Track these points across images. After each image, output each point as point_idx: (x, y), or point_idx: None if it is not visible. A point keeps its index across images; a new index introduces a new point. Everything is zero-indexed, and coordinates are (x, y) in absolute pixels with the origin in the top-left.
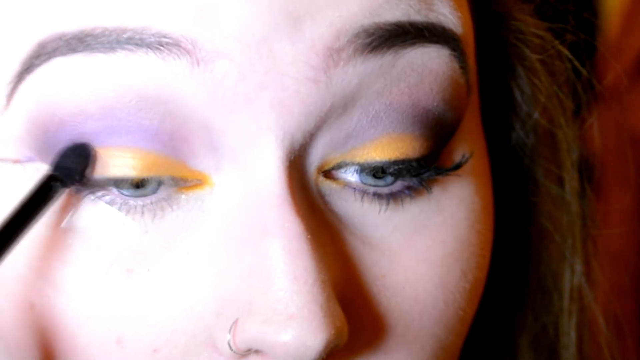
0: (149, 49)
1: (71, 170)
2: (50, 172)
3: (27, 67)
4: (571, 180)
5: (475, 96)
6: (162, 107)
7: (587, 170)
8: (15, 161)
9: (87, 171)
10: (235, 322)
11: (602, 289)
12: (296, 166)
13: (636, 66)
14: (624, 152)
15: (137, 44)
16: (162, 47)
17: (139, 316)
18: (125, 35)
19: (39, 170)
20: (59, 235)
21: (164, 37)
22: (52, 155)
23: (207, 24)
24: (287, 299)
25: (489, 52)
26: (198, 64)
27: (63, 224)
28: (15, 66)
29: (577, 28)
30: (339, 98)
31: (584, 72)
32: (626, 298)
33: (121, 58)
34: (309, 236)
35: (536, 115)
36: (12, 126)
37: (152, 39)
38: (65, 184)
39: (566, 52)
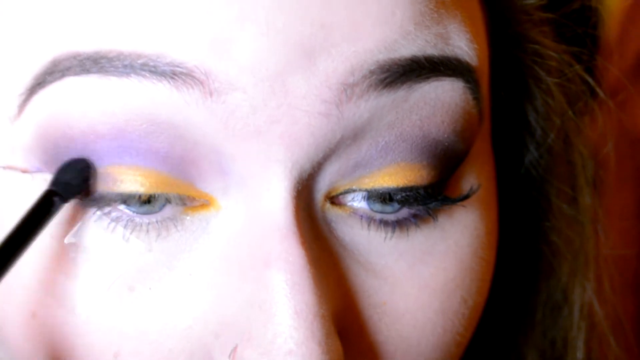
0: (162, 77)
1: (70, 185)
2: (49, 187)
3: (40, 82)
4: (584, 201)
5: (487, 122)
6: (172, 131)
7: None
8: (24, 171)
9: (86, 185)
10: (235, 348)
11: (612, 307)
12: (303, 195)
13: (636, 66)
14: (624, 152)
15: (151, 71)
16: (175, 77)
17: (138, 333)
18: (140, 61)
19: (47, 182)
20: (64, 248)
21: (178, 66)
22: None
23: (222, 55)
24: (286, 334)
25: (505, 72)
26: (211, 95)
27: (68, 238)
28: (28, 79)
29: (567, 15)
30: (349, 130)
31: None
32: (626, 298)
33: (134, 83)
34: (312, 269)
35: (551, 136)
36: (22, 137)
37: (166, 68)
38: (64, 199)
39: (584, 75)
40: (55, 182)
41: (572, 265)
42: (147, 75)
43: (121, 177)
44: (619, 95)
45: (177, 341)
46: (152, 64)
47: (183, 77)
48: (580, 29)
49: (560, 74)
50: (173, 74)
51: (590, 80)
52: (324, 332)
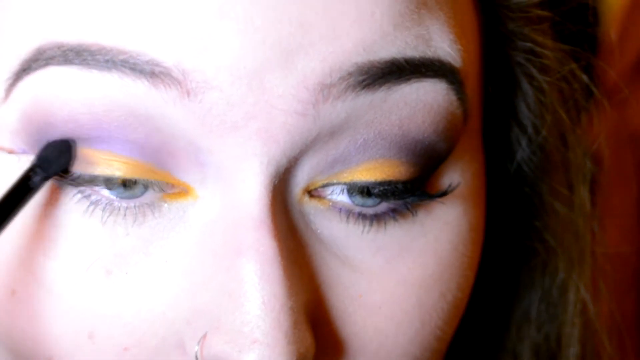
0: (141, 75)
1: (50, 161)
2: (32, 164)
3: (25, 69)
4: (579, 198)
5: (474, 120)
6: (150, 124)
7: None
8: (10, 151)
9: (66, 163)
10: (204, 336)
11: (606, 305)
12: (280, 188)
13: (636, 66)
14: (624, 152)
15: (131, 68)
16: (154, 75)
17: (112, 315)
18: (121, 57)
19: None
20: (45, 229)
21: (157, 65)
22: None
23: (200, 54)
24: (253, 324)
25: (498, 69)
26: (188, 94)
27: (50, 219)
28: (15, 65)
29: (566, 14)
30: (326, 129)
31: (588, 82)
32: (626, 298)
33: (115, 78)
34: (282, 261)
35: (543, 134)
36: (8, 119)
37: (146, 66)
38: (46, 176)
39: (580, 74)
40: (38, 159)
41: (567, 262)
42: (128, 71)
43: (99, 160)
44: (617, 95)
45: (150, 325)
46: (132, 61)
47: (162, 76)
48: (578, 27)
49: (555, 72)
50: (152, 72)
51: (585, 78)
52: (291, 323)
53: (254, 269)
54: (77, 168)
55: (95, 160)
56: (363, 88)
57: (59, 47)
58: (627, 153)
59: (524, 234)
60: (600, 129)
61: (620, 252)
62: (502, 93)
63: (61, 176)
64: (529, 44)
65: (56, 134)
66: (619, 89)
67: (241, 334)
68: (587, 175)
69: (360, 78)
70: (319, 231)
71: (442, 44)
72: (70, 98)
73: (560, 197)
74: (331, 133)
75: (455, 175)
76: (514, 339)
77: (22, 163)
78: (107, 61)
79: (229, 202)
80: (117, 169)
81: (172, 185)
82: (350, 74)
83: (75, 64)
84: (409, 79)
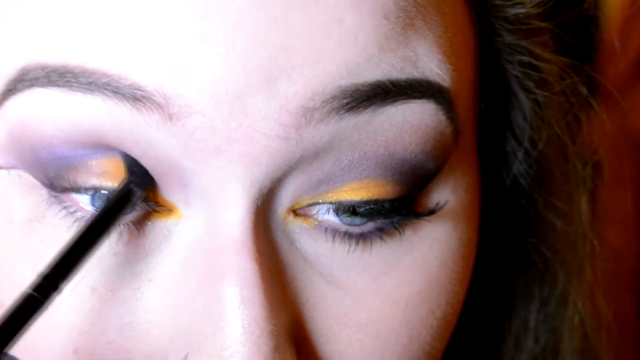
0: (123, 98)
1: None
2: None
3: (11, 89)
4: (579, 212)
5: (467, 135)
6: (136, 146)
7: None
8: None
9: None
10: (185, 357)
11: (606, 319)
12: (263, 209)
13: (636, 66)
14: (624, 152)
15: (113, 91)
16: (136, 99)
17: (97, 332)
18: (103, 80)
19: (21, 177)
20: (32, 244)
21: (138, 89)
22: (34, 166)
23: (181, 79)
24: (232, 348)
25: (494, 82)
26: (170, 118)
27: (36, 235)
28: (0, 84)
29: (577, 28)
30: (309, 151)
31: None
32: (626, 298)
33: (98, 100)
34: (263, 285)
35: (540, 147)
36: None
37: (127, 90)
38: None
39: (580, 87)
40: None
41: (565, 274)
42: (110, 94)
43: (87, 175)
44: (616, 97)
45: (135, 343)
46: (114, 84)
47: (143, 100)
48: (578, 38)
49: (554, 85)
50: (134, 96)
51: (585, 91)
52: (272, 347)
53: (234, 293)
54: (65, 181)
55: (85, 175)
56: (347, 111)
57: (43, 68)
58: (627, 155)
59: (521, 247)
60: (600, 135)
61: (619, 254)
62: (498, 105)
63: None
64: (527, 57)
65: (43, 152)
66: (618, 91)
67: (221, 358)
68: (587, 186)
69: (344, 101)
70: (303, 250)
71: (430, 64)
72: (55, 119)
73: (558, 210)
74: (315, 155)
75: (446, 192)
76: (512, 349)
77: (11, 177)
78: (89, 83)
79: (212, 224)
80: (102, 174)
81: (157, 204)
82: (333, 97)
83: (59, 85)
84: (395, 101)
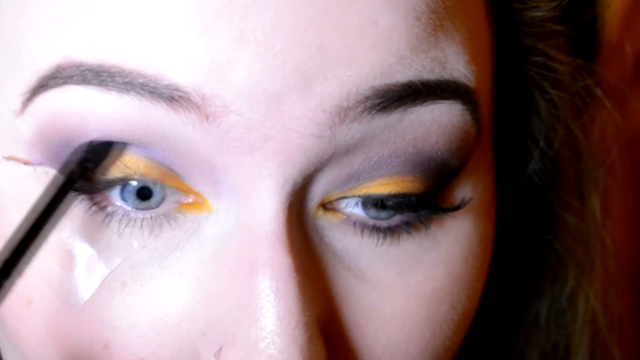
0: (160, 99)
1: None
2: (72, 164)
3: (42, 86)
4: (591, 210)
5: (486, 134)
6: (165, 143)
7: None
8: (26, 162)
9: (102, 163)
10: (220, 349)
11: (617, 314)
12: (295, 204)
13: (636, 66)
14: (624, 152)
15: (150, 92)
16: (173, 99)
17: (128, 327)
18: (140, 81)
19: (48, 174)
20: (62, 240)
21: (176, 89)
22: (60, 162)
23: (219, 79)
24: (268, 340)
25: (511, 82)
26: (207, 118)
27: (66, 231)
28: (32, 80)
29: (577, 28)
30: (341, 148)
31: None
32: (626, 298)
33: (133, 100)
34: (297, 277)
35: (556, 146)
36: (25, 131)
37: (165, 90)
38: (84, 173)
39: (595, 89)
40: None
41: (577, 271)
42: (146, 94)
43: (118, 169)
44: (619, 97)
45: (166, 337)
46: (152, 84)
47: (181, 100)
48: (591, 41)
49: (568, 86)
50: (171, 96)
51: (599, 92)
52: (306, 339)
53: (269, 285)
54: (95, 176)
55: (115, 168)
56: (379, 111)
57: (78, 66)
58: (628, 153)
59: (535, 244)
60: (612, 135)
61: (623, 254)
62: (514, 105)
63: (79, 183)
64: (542, 59)
65: (71, 148)
66: (619, 89)
67: (257, 350)
68: (599, 186)
69: (377, 101)
70: (332, 244)
71: (458, 65)
72: (87, 117)
73: (571, 208)
74: (346, 152)
75: (467, 189)
76: (523, 345)
77: (37, 174)
78: (126, 83)
79: (245, 219)
80: (133, 170)
81: (186, 195)
82: (367, 97)
83: (94, 84)
84: (424, 101)
